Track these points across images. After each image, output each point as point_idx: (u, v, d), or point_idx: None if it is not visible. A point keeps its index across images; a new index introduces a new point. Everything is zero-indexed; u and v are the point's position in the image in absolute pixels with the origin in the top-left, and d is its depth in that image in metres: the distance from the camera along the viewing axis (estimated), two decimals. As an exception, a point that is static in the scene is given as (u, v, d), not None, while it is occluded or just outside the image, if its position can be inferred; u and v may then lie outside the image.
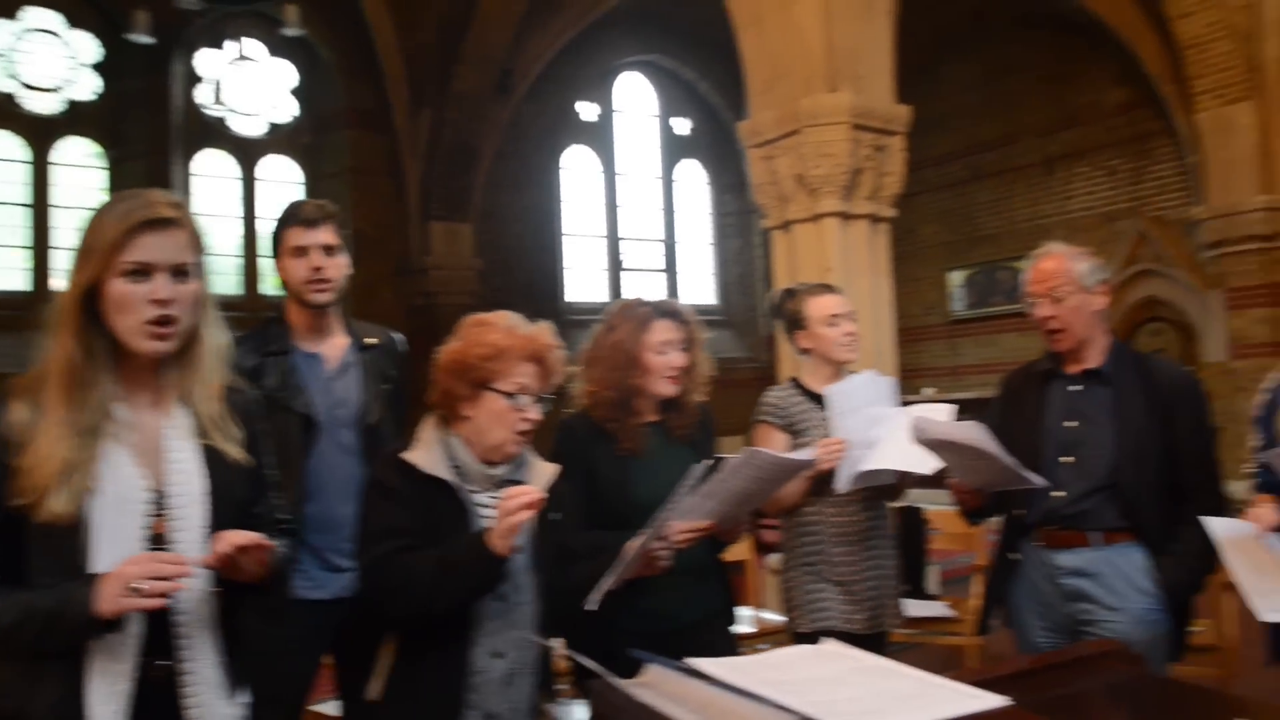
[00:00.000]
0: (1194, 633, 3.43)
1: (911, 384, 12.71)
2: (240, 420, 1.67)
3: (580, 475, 2.42)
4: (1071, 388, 2.67)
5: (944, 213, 13.12)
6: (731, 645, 2.74)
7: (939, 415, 2.64)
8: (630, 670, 1.45)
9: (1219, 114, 9.72)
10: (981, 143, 12.68)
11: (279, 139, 11.68)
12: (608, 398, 2.49)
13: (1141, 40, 10.20)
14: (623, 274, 14.08)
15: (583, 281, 13.73)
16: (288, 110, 11.73)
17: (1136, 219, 10.93)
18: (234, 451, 1.63)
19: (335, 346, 2.69)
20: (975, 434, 2.38)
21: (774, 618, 4.24)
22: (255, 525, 1.60)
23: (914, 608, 4.41)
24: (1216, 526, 2.22)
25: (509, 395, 1.97)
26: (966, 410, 2.68)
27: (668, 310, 2.55)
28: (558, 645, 2.09)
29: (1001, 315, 11.86)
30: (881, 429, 2.65)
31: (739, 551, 4.60)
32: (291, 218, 2.62)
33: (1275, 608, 2.09)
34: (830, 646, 1.45)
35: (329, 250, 2.60)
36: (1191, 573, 2.52)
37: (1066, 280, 2.60)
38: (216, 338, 1.64)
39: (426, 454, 2.00)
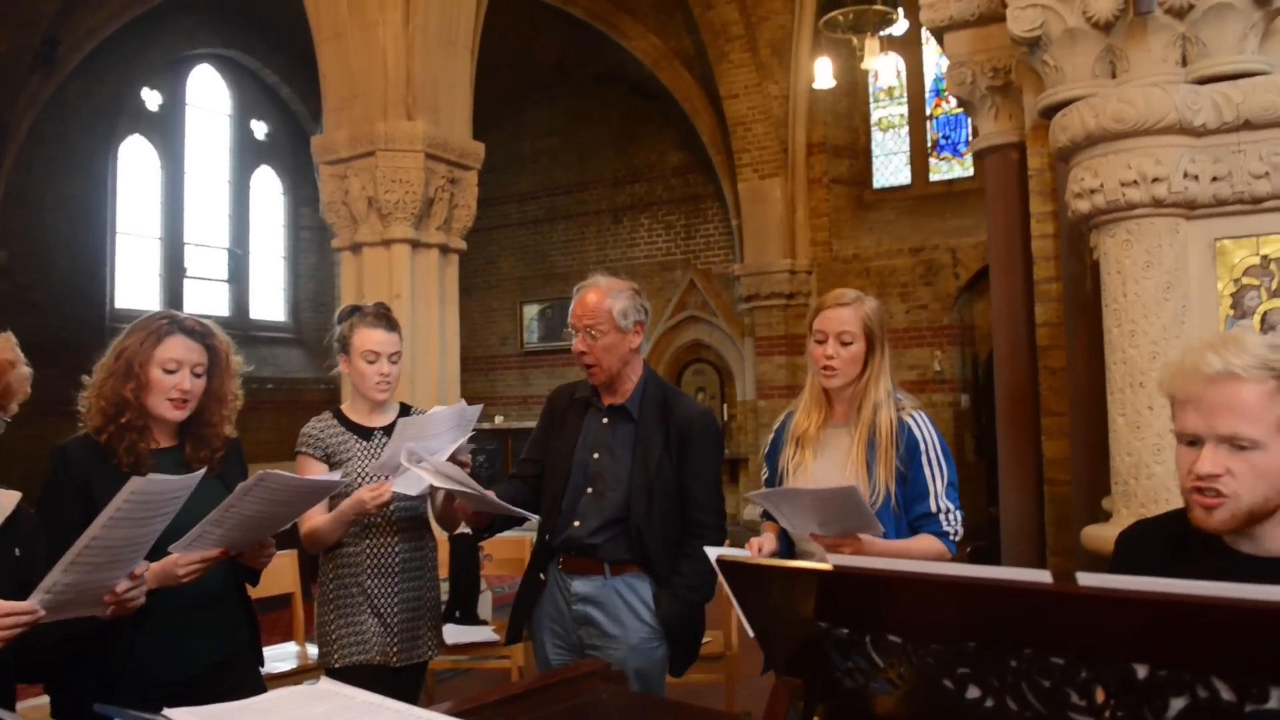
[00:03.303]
0: (706, 642, 3.84)
1: (485, 412, 12.97)
2: None
3: (76, 505, 2.15)
4: (603, 421, 2.79)
5: (522, 248, 13.65)
6: (258, 688, 2.55)
7: (460, 415, 2.70)
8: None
9: (756, 186, 11.17)
10: (558, 186, 13.40)
11: None
12: (104, 410, 2.23)
13: (698, 113, 11.44)
14: (185, 281, 12.91)
15: (137, 287, 12.39)
16: None
17: (687, 270, 12.15)
18: None
19: None
20: (455, 473, 2.49)
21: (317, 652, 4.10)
22: None
23: (458, 634, 4.49)
24: (714, 556, 2.35)
25: None
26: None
27: (190, 328, 2.31)
28: (21, 708, 1.82)
29: (570, 349, 12.55)
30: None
31: (285, 583, 4.39)
32: None
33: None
34: (324, 685, 1.42)
35: None
36: (686, 604, 2.70)
37: (604, 319, 2.68)
38: None
39: None
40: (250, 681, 2.45)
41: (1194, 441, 1.49)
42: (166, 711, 1.27)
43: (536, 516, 2.69)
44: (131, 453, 2.23)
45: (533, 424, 3.12)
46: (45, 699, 2.22)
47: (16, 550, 1.85)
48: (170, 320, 2.31)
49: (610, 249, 12.96)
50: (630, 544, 2.69)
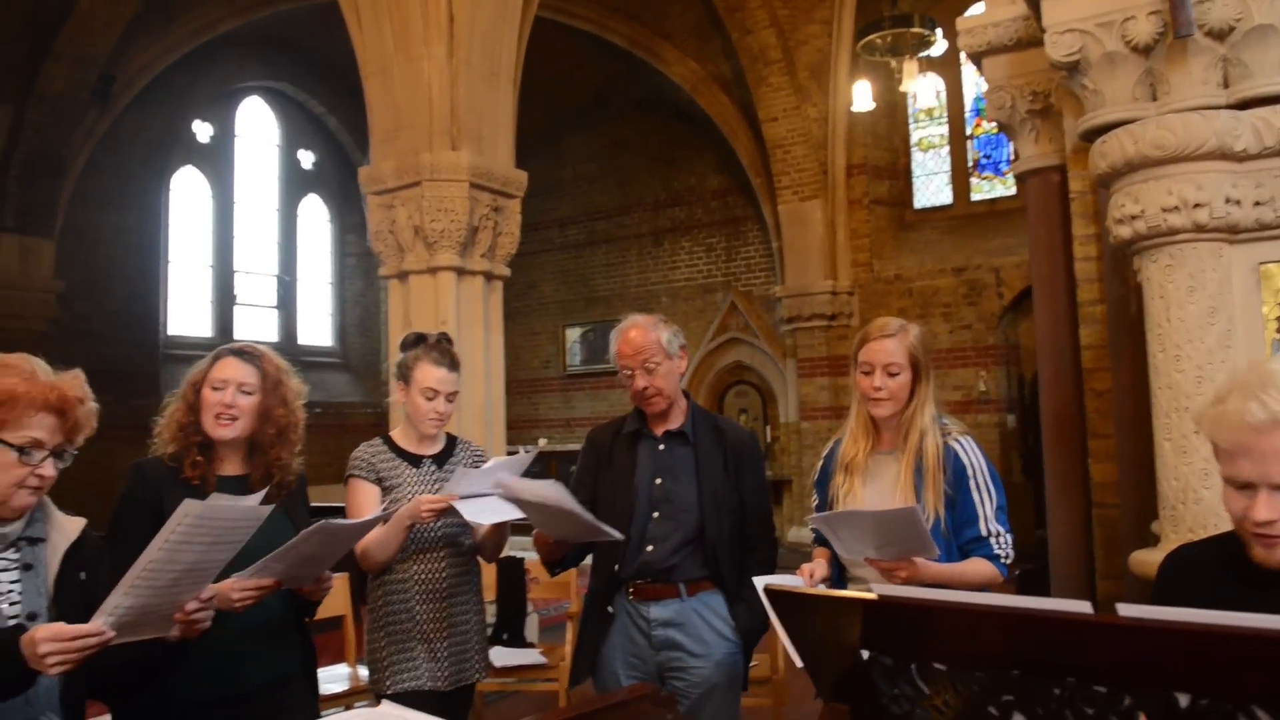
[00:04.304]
0: (752, 666, 3.85)
1: (529, 434, 13.10)
2: None
3: (147, 519, 2.24)
4: (659, 448, 2.87)
5: (563, 272, 13.78)
6: (311, 709, 2.61)
7: (517, 464, 2.77)
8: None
9: (796, 208, 11.18)
10: (599, 210, 13.53)
11: None
12: (171, 433, 2.37)
13: (737, 136, 11.50)
14: (234, 309, 13.20)
15: (188, 314, 12.69)
16: None
17: (728, 292, 12.19)
18: None
19: None
20: (554, 492, 2.51)
21: (369, 675, 4.16)
22: None
23: (505, 656, 4.53)
24: (763, 585, 2.43)
25: (18, 449, 1.78)
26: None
27: (241, 350, 2.45)
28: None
29: (612, 372, 12.54)
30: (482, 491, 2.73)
31: (337, 606, 4.46)
32: None
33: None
34: (386, 709, 1.47)
35: None
36: (762, 614, 2.71)
37: (656, 350, 2.79)
38: None
39: None
40: (305, 704, 2.52)
41: (1246, 486, 1.49)
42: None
43: (619, 534, 2.68)
44: (196, 468, 2.35)
45: (576, 446, 3.17)
46: (106, 718, 2.30)
47: (82, 574, 1.92)
48: (227, 347, 2.48)
49: (651, 272, 13.04)
50: (704, 561, 2.79)
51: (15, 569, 1.84)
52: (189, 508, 1.68)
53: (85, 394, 1.89)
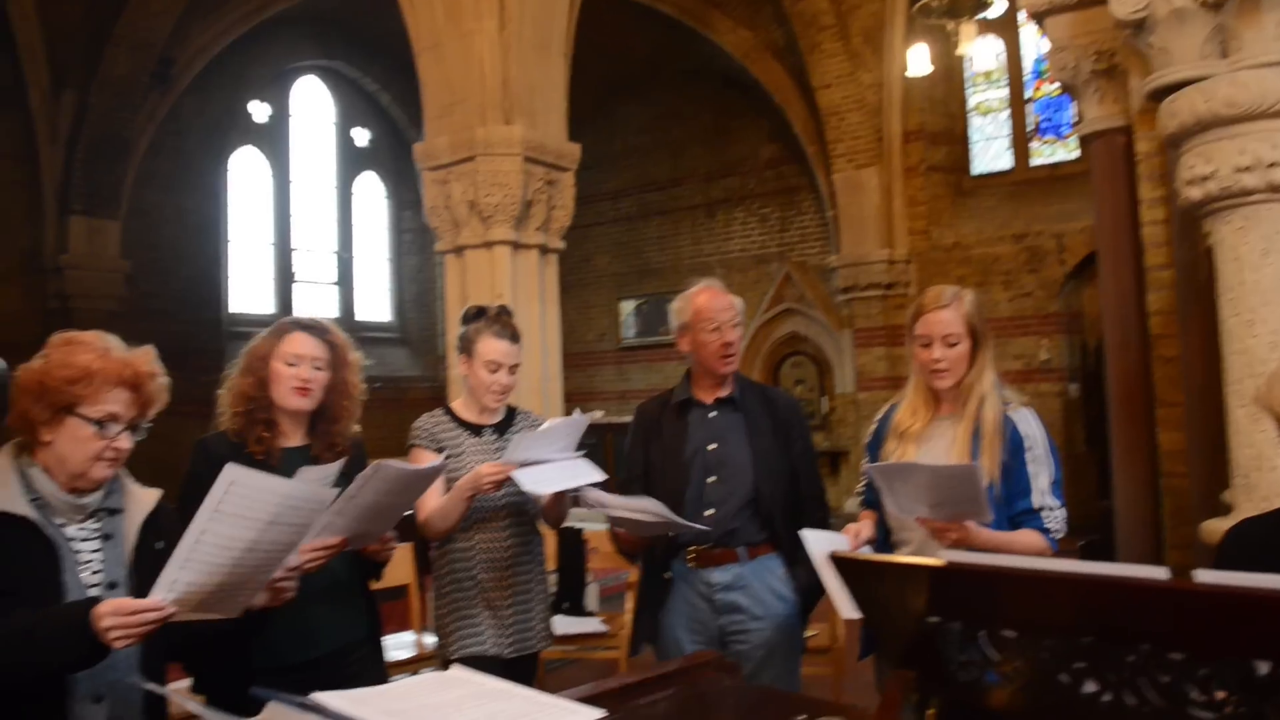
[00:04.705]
0: (811, 636, 3.86)
1: (584, 406, 13.13)
2: None
3: None
4: (710, 414, 2.93)
5: (617, 244, 13.76)
6: (379, 673, 2.68)
7: (574, 426, 2.80)
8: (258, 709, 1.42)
9: (851, 176, 11.02)
10: (651, 182, 13.46)
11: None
12: (235, 406, 2.44)
13: (791, 104, 11.34)
14: (293, 286, 13.43)
15: (249, 292, 12.94)
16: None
17: (783, 263, 12.07)
18: None
19: None
20: (652, 506, 2.60)
21: (434, 641, 4.24)
22: None
23: (567, 625, 4.59)
24: (811, 538, 2.44)
25: (95, 423, 1.84)
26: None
27: (309, 325, 2.52)
28: (173, 689, 1.94)
29: (667, 344, 12.60)
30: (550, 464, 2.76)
31: (402, 575, 4.55)
32: None
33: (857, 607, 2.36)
34: (455, 672, 1.51)
35: None
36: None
37: (738, 313, 2.91)
38: None
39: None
40: (373, 668, 2.59)
41: None
42: (314, 695, 1.37)
43: (707, 527, 2.75)
44: (261, 442, 2.42)
45: (630, 418, 3.20)
46: (186, 681, 2.39)
47: (159, 544, 1.99)
48: (292, 321, 2.55)
49: (705, 243, 12.97)
50: (762, 524, 2.84)
51: (96, 539, 1.91)
52: (230, 473, 1.67)
53: (157, 369, 1.96)
